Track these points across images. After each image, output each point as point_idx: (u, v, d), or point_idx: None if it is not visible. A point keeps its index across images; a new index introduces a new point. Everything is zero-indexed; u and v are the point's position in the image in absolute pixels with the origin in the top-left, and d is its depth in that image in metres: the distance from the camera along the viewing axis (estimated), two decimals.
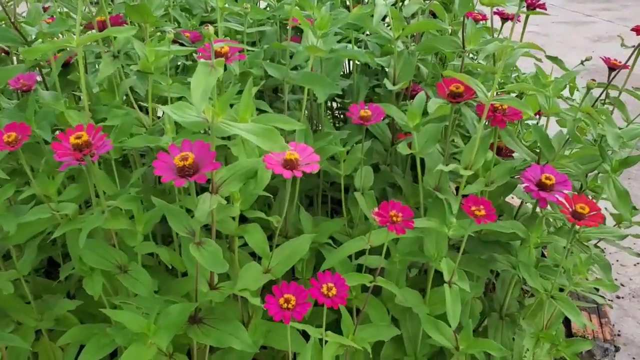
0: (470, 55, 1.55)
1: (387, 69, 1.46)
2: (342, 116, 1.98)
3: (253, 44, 1.71)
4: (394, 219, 1.02)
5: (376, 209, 1.07)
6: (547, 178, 1.17)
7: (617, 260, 2.26)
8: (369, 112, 1.21)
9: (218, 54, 1.08)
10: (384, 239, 1.14)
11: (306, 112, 1.47)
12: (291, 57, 1.71)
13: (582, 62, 1.77)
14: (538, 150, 1.42)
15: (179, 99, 1.18)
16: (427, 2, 1.52)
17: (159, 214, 1.06)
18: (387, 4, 1.35)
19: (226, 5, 1.39)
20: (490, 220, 1.02)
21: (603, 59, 1.66)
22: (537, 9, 1.47)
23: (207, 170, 0.89)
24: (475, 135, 1.22)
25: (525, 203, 1.47)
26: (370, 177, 1.34)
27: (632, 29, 1.49)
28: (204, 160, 0.91)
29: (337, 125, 1.93)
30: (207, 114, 0.94)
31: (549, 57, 1.44)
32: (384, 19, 1.46)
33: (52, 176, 1.12)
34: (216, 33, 1.43)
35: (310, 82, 1.18)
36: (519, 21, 1.83)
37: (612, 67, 1.64)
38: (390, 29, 1.39)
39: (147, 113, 1.25)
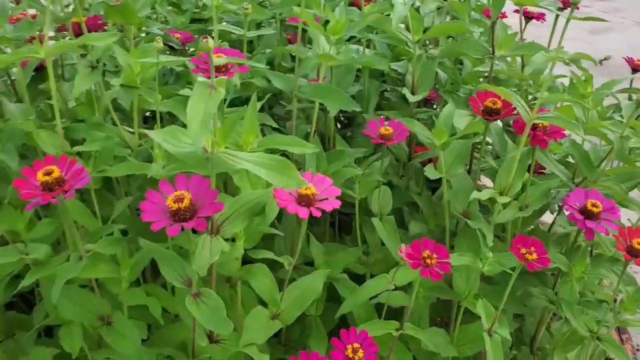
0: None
1: (405, 74, 1.30)
2: (346, 121, 1.82)
3: (248, 44, 1.54)
4: (428, 261, 0.87)
5: (403, 247, 0.92)
6: (593, 205, 1.02)
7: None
8: (390, 130, 1.05)
9: (216, 68, 0.91)
10: (409, 277, 0.99)
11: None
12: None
13: (600, 62, 1.61)
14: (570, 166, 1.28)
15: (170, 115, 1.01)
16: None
17: (148, 258, 0.89)
18: (406, 4, 1.18)
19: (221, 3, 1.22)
20: (544, 265, 0.86)
21: (626, 60, 1.51)
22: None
23: (208, 213, 0.73)
24: (510, 155, 1.07)
25: (559, 226, 1.32)
26: (388, 200, 1.18)
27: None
28: (203, 201, 0.74)
29: (340, 130, 1.76)
30: (207, 144, 0.77)
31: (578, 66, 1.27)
32: None
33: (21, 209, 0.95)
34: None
35: (324, 96, 1.02)
36: (540, 20, 1.68)
37: (635, 69, 1.50)
38: (409, 30, 1.23)
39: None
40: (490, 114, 1.00)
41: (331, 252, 1.18)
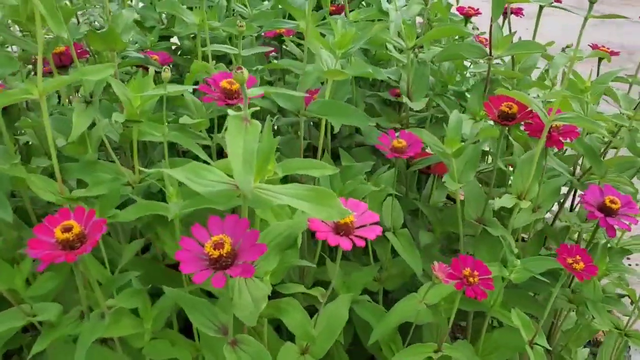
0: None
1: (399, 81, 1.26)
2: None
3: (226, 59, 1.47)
4: (471, 279, 0.83)
5: (437, 265, 0.88)
6: (611, 202, 1.01)
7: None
8: (403, 143, 1.01)
9: (229, 92, 0.85)
10: (441, 295, 0.95)
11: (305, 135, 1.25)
12: (284, 78, 1.50)
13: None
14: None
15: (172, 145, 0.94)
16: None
17: (172, 306, 0.82)
18: (398, 11, 1.14)
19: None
20: (592, 274, 0.84)
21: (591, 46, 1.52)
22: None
23: (251, 258, 0.67)
24: (523, 158, 1.05)
25: (559, 220, 1.31)
26: (400, 213, 1.14)
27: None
28: (242, 243, 0.68)
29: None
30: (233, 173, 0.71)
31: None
32: None
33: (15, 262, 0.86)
34: (204, 58, 1.19)
35: (335, 113, 0.97)
36: (520, 15, 1.68)
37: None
38: (401, 36, 1.19)
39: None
40: (506, 118, 0.97)
41: (345, 271, 1.13)
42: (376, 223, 0.77)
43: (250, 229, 0.69)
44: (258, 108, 0.69)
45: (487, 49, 1.16)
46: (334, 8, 1.66)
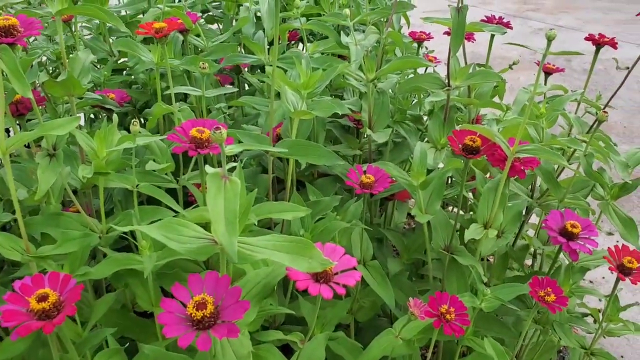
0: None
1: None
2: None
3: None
4: (448, 316, 0.84)
5: (412, 301, 0.89)
6: (572, 226, 1.05)
7: None
8: (372, 178, 1.02)
9: (199, 141, 0.84)
10: (417, 329, 0.97)
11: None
12: (243, 110, 1.49)
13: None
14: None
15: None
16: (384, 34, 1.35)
17: None
18: (358, 45, 1.16)
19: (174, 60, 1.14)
20: (563, 305, 0.87)
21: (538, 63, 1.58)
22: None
23: (235, 317, 0.66)
24: (487, 187, 1.08)
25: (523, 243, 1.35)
26: (369, 244, 1.15)
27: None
28: (224, 301, 0.68)
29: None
30: (215, 234, 0.70)
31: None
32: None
33: None
34: (165, 97, 1.18)
35: (304, 153, 0.97)
36: (473, 40, 1.73)
37: (548, 72, 1.57)
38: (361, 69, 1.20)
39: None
40: (470, 152, 0.99)
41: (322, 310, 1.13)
42: (354, 268, 0.78)
43: (232, 286, 0.68)
44: (236, 165, 0.68)
45: (445, 80, 1.18)
46: (289, 35, 1.67)
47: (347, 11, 1.18)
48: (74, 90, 1.00)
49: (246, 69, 1.58)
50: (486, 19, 1.40)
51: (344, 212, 1.13)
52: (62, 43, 1.00)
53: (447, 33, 1.58)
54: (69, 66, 1.03)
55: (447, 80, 1.18)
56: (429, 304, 0.86)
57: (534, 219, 1.48)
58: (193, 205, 1.04)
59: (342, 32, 1.35)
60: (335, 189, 1.31)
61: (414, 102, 1.55)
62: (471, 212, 1.34)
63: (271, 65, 1.26)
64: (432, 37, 1.69)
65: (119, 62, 1.63)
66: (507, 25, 1.37)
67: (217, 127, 0.63)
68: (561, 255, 1.47)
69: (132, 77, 1.57)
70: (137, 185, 0.88)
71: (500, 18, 1.43)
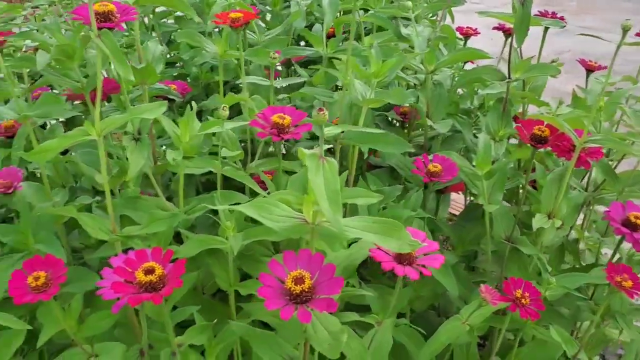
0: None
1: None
2: None
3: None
4: (523, 301, 0.86)
5: (483, 287, 0.91)
6: (636, 217, 1.05)
7: None
8: (439, 167, 1.03)
9: (281, 127, 0.86)
10: (484, 316, 0.98)
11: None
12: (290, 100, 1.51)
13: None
14: None
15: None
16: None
17: (235, 340, 0.83)
18: (420, 36, 1.18)
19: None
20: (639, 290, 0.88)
21: (579, 61, 1.58)
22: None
23: (331, 292, 0.68)
24: (550, 178, 1.09)
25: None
26: (429, 235, 1.16)
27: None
28: (319, 278, 0.70)
29: None
30: (307, 215, 0.73)
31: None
32: None
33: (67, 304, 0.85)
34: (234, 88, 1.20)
35: (374, 141, 0.99)
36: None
37: (590, 69, 1.57)
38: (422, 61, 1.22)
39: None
40: (539, 141, 1.01)
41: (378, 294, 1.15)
42: (438, 251, 0.80)
43: (327, 263, 0.70)
44: (331, 146, 0.70)
45: (506, 73, 1.20)
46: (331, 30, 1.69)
47: (409, 3, 1.19)
48: (149, 78, 1.03)
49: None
50: (539, 13, 1.41)
51: (405, 202, 1.14)
52: (138, 32, 1.03)
53: (497, 28, 1.60)
54: (144, 56, 1.06)
55: (507, 73, 1.19)
56: (504, 289, 0.87)
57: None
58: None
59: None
60: (391, 181, 1.32)
61: (459, 95, 1.56)
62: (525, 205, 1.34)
63: (330, 57, 1.28)
64: (479, 33, 1.70)
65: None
66: (562, 19, 1.38)
67: (321, 108, 0.65)
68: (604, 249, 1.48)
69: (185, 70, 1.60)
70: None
71: (553, 13, 1.44)
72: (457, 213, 1.84)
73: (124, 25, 0.82)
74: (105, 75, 1.18)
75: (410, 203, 1.14)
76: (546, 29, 1.38)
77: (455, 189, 1.40)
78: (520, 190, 1.36)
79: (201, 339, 0.78)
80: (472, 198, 1.62)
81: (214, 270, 0.90)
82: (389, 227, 0.72)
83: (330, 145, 0.70)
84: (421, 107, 1.27)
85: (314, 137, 1.33)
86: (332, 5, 1.21)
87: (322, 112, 0.64)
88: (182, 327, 0.86)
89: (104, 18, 0.76)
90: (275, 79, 1.65)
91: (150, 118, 0.81)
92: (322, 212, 0.71)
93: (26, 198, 0.96)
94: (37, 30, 1.25)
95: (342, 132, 0.95)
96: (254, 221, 1.01)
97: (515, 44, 1.13)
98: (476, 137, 1.38)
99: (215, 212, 1.03)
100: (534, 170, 1.17)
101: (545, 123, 1.02)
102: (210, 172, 1.02)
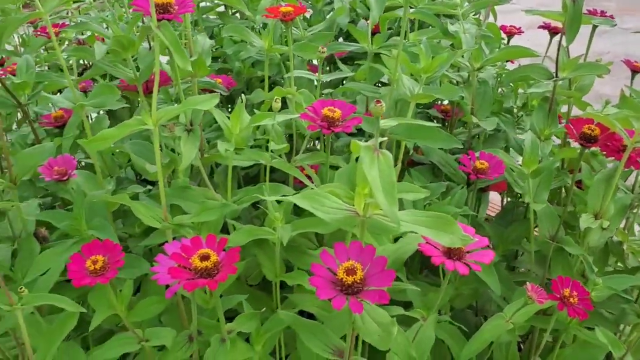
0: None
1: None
2: None
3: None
4: (571, 300, 0.85)
5: (529, 285, 0.90)
6: None
7: None
8: (485, 164, 1.03)
9: (331, 120, 0.87)
10: (528, 314, 0.97)
11: None
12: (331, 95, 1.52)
13: None
14: None
15: None
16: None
17: (281, 329, 0.84)
18: (466, 33, 1.17)
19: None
20: None
21: (624, 62, 1.55)
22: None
23: (383, 284, 0.68)
24: (597, 178, 1.07)
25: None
26: None
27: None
28: (370, 270, 0.70)
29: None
30: (358, 207, 0.73)
31: None
32: None
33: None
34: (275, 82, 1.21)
35: (421, 136, 0.99)
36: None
37: (635, 70, 1.54)
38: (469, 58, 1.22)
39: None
40: (588, 140, 1.00)
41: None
42: (487, 247, 0.79)
43: (378, 256, 0.71)
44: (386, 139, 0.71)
45: (553, 71, 1.18)
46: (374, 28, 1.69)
47: (457, 0, 1.19)
48: (199, 71, 1.04)
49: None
50: (588, 12, 1.39)
51: (449, 199, 1.14)
52: (189, 25, 1.05)
53: (543, 27, 1.59)
54: (194, 49, 1.08)
55: (554, 71, 1.18)
56: (552, 287, 0.86)
57: None
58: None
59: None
60: (433, 178, 1.32)
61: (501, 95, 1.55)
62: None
63: (375, 53, 1.28)
64: (523, 32, 1.69)
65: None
66: (612, 17, 1.36)
67: (378, 100, 0.65)
68: None
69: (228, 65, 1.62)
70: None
71: (602, 12, 1.42)
72: (491, 214, 1.83)
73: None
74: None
75: (454, 200, 1.13)
76: (594, 28, 1.36)
77: (496, 188, 1.39)
78: (564, 190, 1.34)
79: (250, 327, 0.79)
80: (508, 199, 1.60)
81: (261, 260, 0.91)
82: (441, 222, 0.72)
83: (384, 139, 0.70)
84: (466, 104, 1.27)
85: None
86: (380, 1, 1.21)
87: (379, 104, 0.65)
88: (226, 317, 0.88)
89: (163, 9, 0.78)
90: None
91: (204, 109, 0.82)
92: (373, 204, 0.73)
93: (79, 186, 0.99)
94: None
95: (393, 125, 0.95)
96: (297, 214, 1.04)
97: (564, 43, 1.12)
98: (519, 137, 1.37)
99: (254, 205, 1.05)
100: (580, 170, 1.16)
101: (595, 122, 1.01)
102: (249, 166, 1.03)
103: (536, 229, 1.23)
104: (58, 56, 0.90)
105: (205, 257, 0.68)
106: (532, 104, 1.50)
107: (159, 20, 0.77)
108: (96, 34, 1.28)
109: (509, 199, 1.60)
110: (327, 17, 1.66)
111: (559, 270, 1.11)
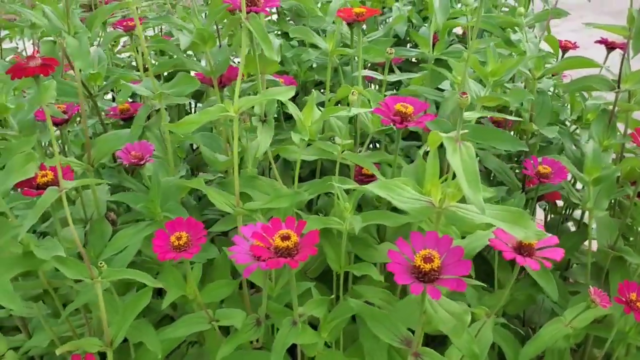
0: None
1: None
2: None
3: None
4: (638, 304, 0.85)
5: (592, 289, 0.91)
6: None
7: None
8: (548, 169, 1.04)
9: (404, 115, 0.89)
10: (588, 320, 0.97)
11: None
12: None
13: None
14: None
15: None
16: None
17: (348, 317, 0.86)
18: (531, 42, 1.19)
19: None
20: None
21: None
22: None
23: (460, 273, 0.70)
24: None
25: None
26: None
27: None
28: (446, 259, 0.71)
29: None
30: (434, 198, 0.75)
31: None
32: None
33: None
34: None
35: (489, 138, 1.00)
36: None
37: None
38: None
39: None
40: None
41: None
42: (556, 245, 0.80)
43: (455, 245, 0.72)
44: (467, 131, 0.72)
45: (615, 83, 1.19)
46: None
47: (521, 9, 1.21)
48: (269, 68, 1.08)
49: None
50: None
51: (511, 202, 1.15)
52: (263, 22, 1.08)
53: (600, 42, 1.59)
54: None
55: (617, 83, 1.19)
56: (618, 291, 0.87)
57: None
58: None
59: None
60: (487, 183, 1.33)
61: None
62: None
63: (436, 59, 1.31)
64: (578, 47, 1.69)
65: None
66: None
67: (464, 92, 0.68)
68: None
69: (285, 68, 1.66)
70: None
71: None
72: None
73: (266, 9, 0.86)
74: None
75: (514, 203, 1.14)
76: None
77: (550, 197, 1.39)
78: (618, 205, 1.34)
79: (319, 312, 0.81)
80: (552, 215, 1.60)
81: (326, 251, 0.93)
82: (515, 216, 0.73)
83: (465, 131, 0.72)
84: (525, 111, 1.28)
85: None
86: (443, 8, 1.24)
87: (465, 95, 0.67)
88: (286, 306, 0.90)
89: (251, 2, 0.82)
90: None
91: (283, 99, 0.85)
92: (449, 196, 0.74)
93: (152, 171, 1.03)
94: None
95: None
96: (360, 209, 1.06)
97: (629, 54, 1.13)
98: (575, 147, 1.38)
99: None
100: (633, 184, 1.16)
101: None
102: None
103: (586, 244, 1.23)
104: (142, 46, 0.94)
105: (286, 237, 0.70)
106: (587, 117, 1.51)
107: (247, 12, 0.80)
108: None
109: (552, 216, 1.60)
110: (381, 26, 1.70)
111: (617, 280, 1.10)
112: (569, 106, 1.52)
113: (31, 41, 1.71)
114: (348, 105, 0.90)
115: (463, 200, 0.87)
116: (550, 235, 0.81)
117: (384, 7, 1.79)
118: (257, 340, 0.90)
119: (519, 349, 1.06)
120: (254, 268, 0.73)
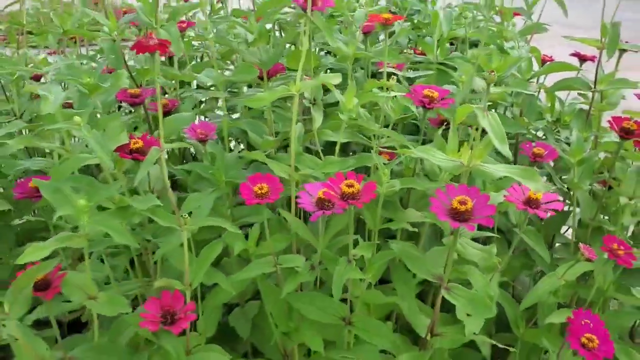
0: None
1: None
2: None
3: None
4: (620, 252, 1.06)
5: (582, 245, 1.11)
6: None
7: None
8: (542, 150, 1.25)
9: (431, 98, 1.09)
10: (578, 272, 1.17)
11: None
12: None
13: None
14: None
15: None
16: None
17: (389, 259, 1.04)
18: (521, 49, 1.41)
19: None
20: None
21: None
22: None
23: (487, 213, 0.89)
24: (634, 169, 1.29)
25: None
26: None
27: None
28: (475, 204, 0.91)
29: None
30: (464, 158, 0.95)
31: None
32: None
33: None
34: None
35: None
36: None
37: None
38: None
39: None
40: (627, 133, 1.22)
41: None
42: (557, 201, 1.01)
43: (483, 193, 0.92)
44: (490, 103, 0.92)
45: (592, 84, 1.42)
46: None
47: (513, 21, 1.43)
48: (309, 63, 1.27)
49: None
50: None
51: None
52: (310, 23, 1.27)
53: (574, 55, 1.84)
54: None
55: (594, 84, 1.42)
56: (603, 241, 1.07)
57: None
58: None
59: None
60: None
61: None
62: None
63: (440, 63, 1.52)
64: (554, 59, 1.93)
65: None
66: None
67: (491, 70, 0.88)
68: None
69: None
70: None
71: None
72: None
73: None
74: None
75: None
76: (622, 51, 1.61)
77: None
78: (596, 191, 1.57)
79: (368, 253, 0.99)
80: None
81: (364, 212, 1.12)
82: (527, 173, 0.93)
83: (489, 103, 0.91)
84: (515, 111, 1.50)
85: None
86: (447, 19, 1.46)
87: (492, 73, 0.87)
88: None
89: (313, 2, 1.01)
90: None
91: (334, 83, 1.04)
92: (475, 155, 0.94)
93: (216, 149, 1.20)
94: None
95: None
96: None
97: (602, 59, 1.36)
98: (557, 142, 1.60)
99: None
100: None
101: (633, 120, 1.24)
102: None
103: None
104: (208, 40, 1.13)
105: (351, 185, 0.89)
106: (565, 119, 1.74)
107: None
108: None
109: None
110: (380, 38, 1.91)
111: (597, 245, 1.31)
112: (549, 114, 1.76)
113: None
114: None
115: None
116: (549, 193, 1.01)
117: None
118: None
119: (516, 307, 1.26)
120: (319, 214, 0.91)
